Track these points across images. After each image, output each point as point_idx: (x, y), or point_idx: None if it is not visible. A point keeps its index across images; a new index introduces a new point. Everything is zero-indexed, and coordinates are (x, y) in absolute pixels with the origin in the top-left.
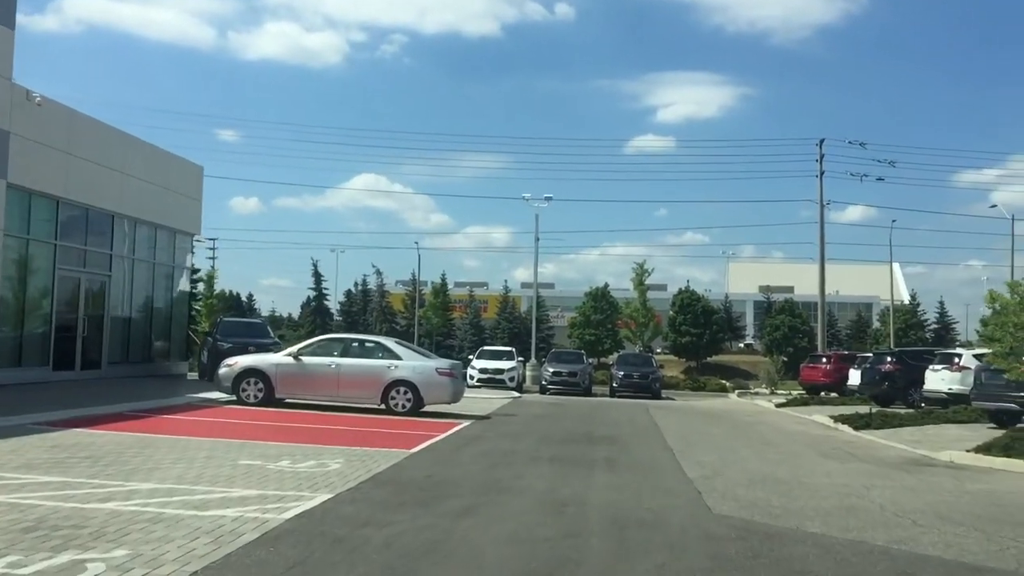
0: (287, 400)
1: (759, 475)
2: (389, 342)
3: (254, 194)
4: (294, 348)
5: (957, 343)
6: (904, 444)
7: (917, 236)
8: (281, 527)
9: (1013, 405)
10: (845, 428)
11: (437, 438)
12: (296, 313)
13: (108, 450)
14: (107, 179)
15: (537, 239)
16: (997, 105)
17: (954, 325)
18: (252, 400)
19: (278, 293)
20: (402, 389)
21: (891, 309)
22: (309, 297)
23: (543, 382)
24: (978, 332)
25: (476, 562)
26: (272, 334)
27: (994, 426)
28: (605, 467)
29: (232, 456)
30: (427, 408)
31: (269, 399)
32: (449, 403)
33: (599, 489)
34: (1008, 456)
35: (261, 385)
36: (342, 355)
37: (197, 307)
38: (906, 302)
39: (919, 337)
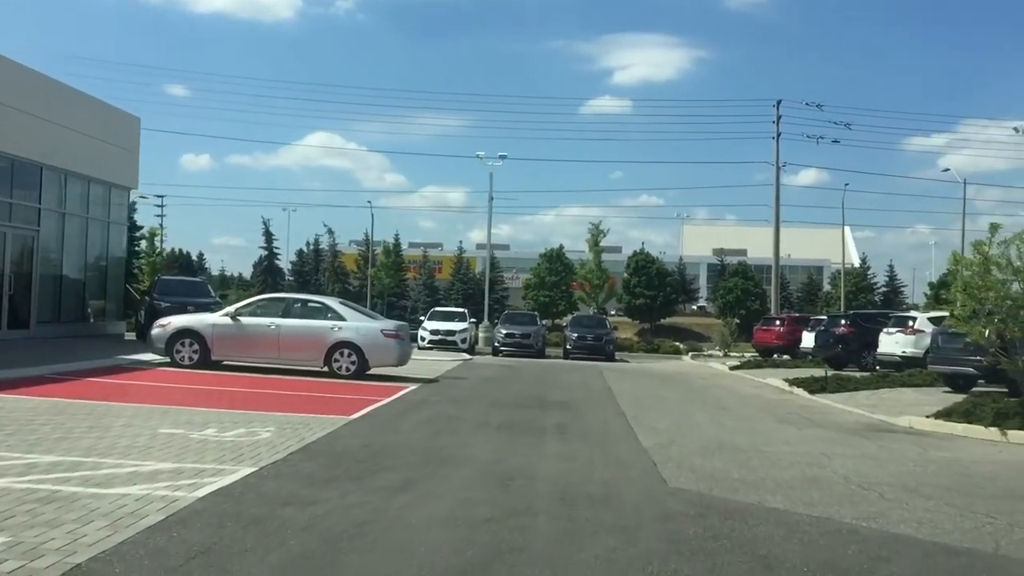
0: (226, 362)
1: (716, 443)
2: (333, 302)
3: (205, 151)
4: (231, 308)
5: (905, 306)
6: (861, 409)
7: (867, 201)
8: (191, 507)
9: (970, 369)
10: (800, 392)
11: (380, 403)
12: (248, 273)
13: (16, 417)
14: (34, 128)
15: (491, 198)
16: (953, 68)
17: (903, 288)
18: (187, 362)
19: (230, 252)
20: (346, 351)
21: (842, 272)
22: (261, 256)
23: (495, 344)
24: (925, 295)
25: (407, 549)
26: (213, 293)
27: (949, 390)
28: (556, 435)
29: (153, 424)
30: (373, 371)
31: (205, 361)
32: (395, 366)
33: (549, 459)
34: (969, 422)
35: (196, 347)
36: (283, 315)
37: (139, 265)
38: (856, 265)
39: (869, 300)
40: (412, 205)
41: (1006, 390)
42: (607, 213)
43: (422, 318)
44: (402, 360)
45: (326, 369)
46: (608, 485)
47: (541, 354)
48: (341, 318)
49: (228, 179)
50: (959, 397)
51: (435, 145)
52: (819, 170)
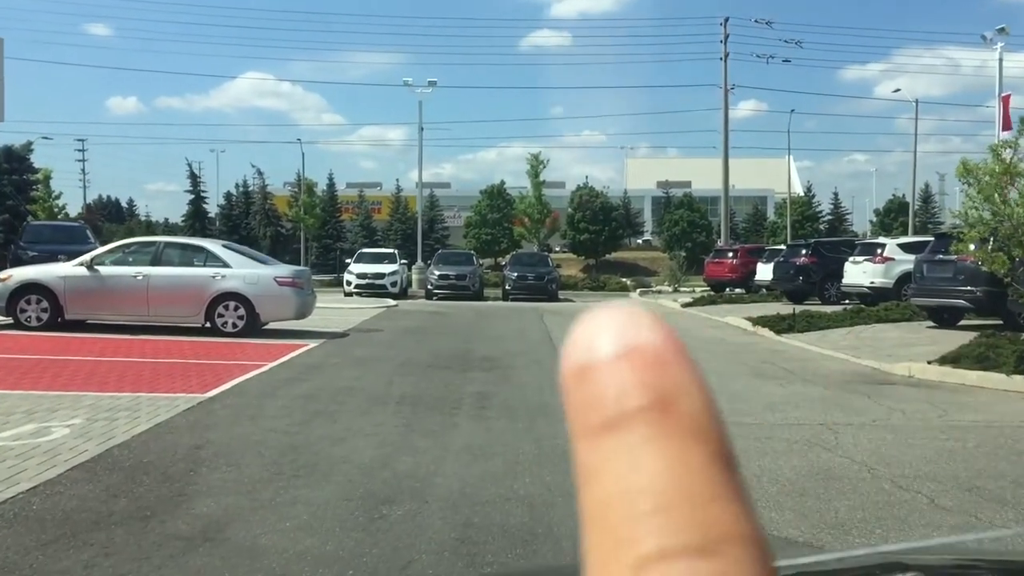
0: (89, 322)
1: None
2: (214, 245)
3: (133, 93)
4: (87, 256)
5: (847, 232)
6: (842, 352)
7: (806, 130)
8: None
9: (960, 301)
10: (766, 332)
11: (258, 371)
12: (180, 219)
13: None
14: None
15: (421, 128)
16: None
17: (847, 216)
18: (34, 323)
19: (167, 199)
20: (231, 304)
21: (788, 202)
22: (190, 201)
23: (429, 286)
24: (870, 223)
25: None
26: (93, 239)
27: (934, 325)
28: (473, 411)
29: None
30: (270, 326)
31: (56, 321)
32: (295, 319)
33: (455, 458)
34: (985, 369)
35: (45, 304)
36: (153, 263)
37: (34, 211)
38: (801, 194)
39: (814, 229)
40: (351, 145)
41: (1000, 322)
42: (550, 150)
43: (347, 260)
44: (302, 312)
45: (208, 326)
46: (535, 507)
47: (478, 296)
48: (225, 264)
49: (157, 121)
50: (948, 333)
51: (372, 85)
52: (759, 101)
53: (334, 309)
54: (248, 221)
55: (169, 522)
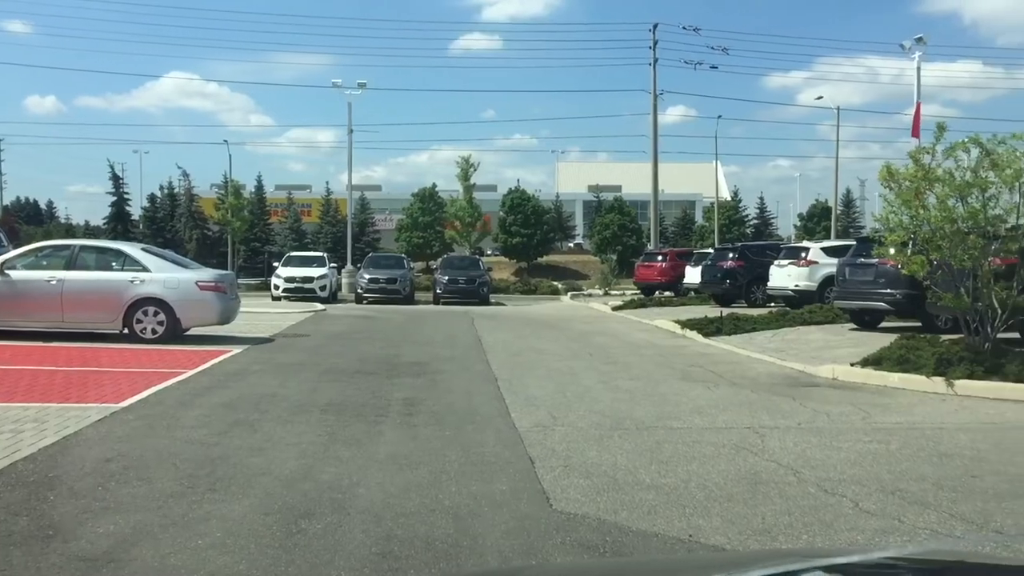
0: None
1: (613, 419)
2: (132, 249)
3: (51, 92)
4: None
5: (773, 236)
6: (768, 355)
7: (733, 136)
8: None
9: (881, 304)
10: (695, 336)
11: (176, 379)
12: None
13: None
14: None
15: (351, 131)
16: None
17: (772, 220)
18: None
19: (87, 200)
20: (151, 310)
21: (716, 206)
22: (112, 203)
23: (359, 290)
24: (794, 227)
25: None
26: (7, 242)
27: (856, 327)
28: (400, 419)
29: None
30: (192, 332)
31: None
32: (218, 324)
33: (380, 468)
34: (905, 371)
35: None
36: (68, 267)
37: None
38: (728, 199)
39: (741, 233)
40: (280, 146)
41: (919, 324)
42: (482, 153)
43: (275, 264)
44: (225, 317)
45: (126, 332)
46: (461, 518)
47: (409, 300)
48: (144, 268)
49: (78, 121)
50: (869, 335)
51: (302, 83)
52: (687, 107)
53: (260, 314)
54: (173, 224)
55: (72, 542)
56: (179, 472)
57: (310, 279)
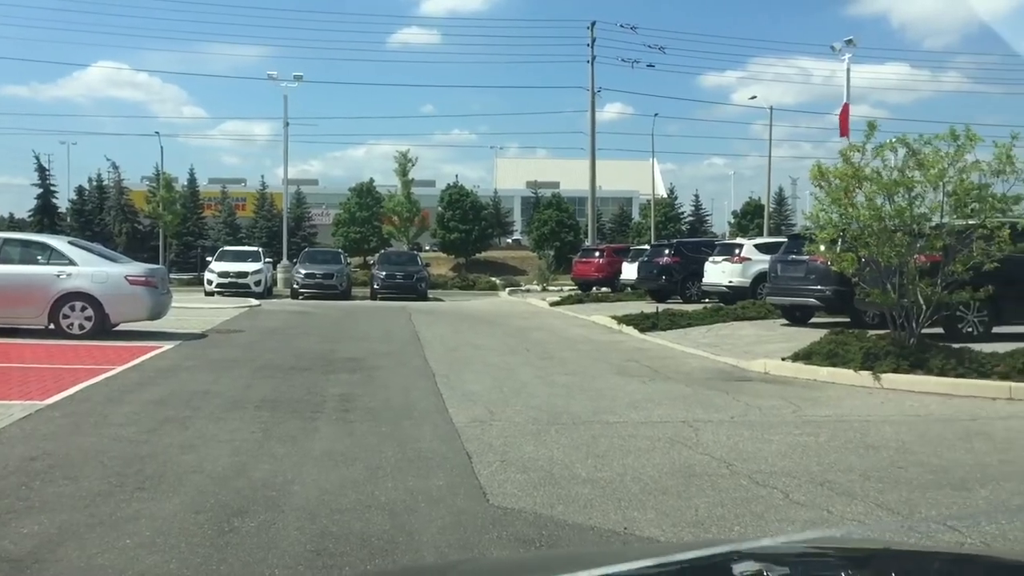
0: None
1: (550, 413)
2: (58, 242)
3: None
4: None
5: (707, 233)
6: (702, 350)
7: (669, 134)
8: None
9: (812, 300)
10: (631, 331)
11: (105, 375)
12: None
13: None
14: None
15: (287, 124)
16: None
17: (707, 217)
18: None
19: (12, 192)
20: (78, 305)
21: (652, 203)
22: (38, 195)
23: (294, 285)
24: (728, 224)
25: None
26: None
27: (787, 323)
28: (336, 415)
29: None
30: (121, 328)
31: None
32: (148, 320)
33: (315, 464)
34: (834, 365)
35: None
36: None
37: None
38: (664, 196)
39: (677, 229)
40: (214, 139)
41: (848, 320)
42: (420, 148)
43: (208, 259)
44: (156, 313)
45: (53, 328)
46: (397, 514)
47: (346, 295)
48: (71, 262)
49: (1, 111)
50: (800, 330)
51: (236, 75)
52: (624, 104)
53: (193, 309)
54: (102, 217)
55: None
56: (107, 470)
57: (244, 274)
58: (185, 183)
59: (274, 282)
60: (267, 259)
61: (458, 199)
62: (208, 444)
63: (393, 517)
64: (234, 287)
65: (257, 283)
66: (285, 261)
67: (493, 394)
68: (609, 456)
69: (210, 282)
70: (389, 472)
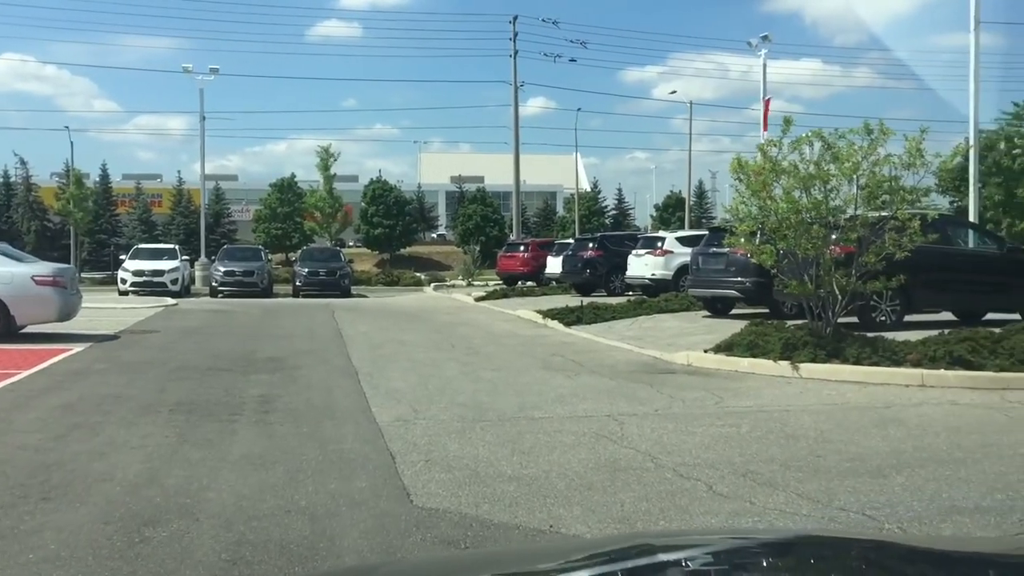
0: None
1: (475, 410)
2: None
3: None
4: None
5: (630, 226)
6: (626, 343)
7: (592, 128)
8: None
9: (732, 292)
10: (556, 325)
11: (9, 380)
12: None
13: None
14: None
15: (203, 118)
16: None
17: (630, 211)
18: None
19: None
20: None
21: (576, 196)
22: None
23: (213, 283)
24: (651, 217)
25: None
26: None
27: (709, 315)
28: (255, 416)
29: None
30: (29, 330)
31: None
32: (57, 321)
33: (231, 468)
34: (754, 356)
35: None
36: None
37: None
38: (588, 190)
39: (600, 223)
40: (128, 134)
41: (767, 311)
42: (343, 143)
43: (122, 257)
44: (65, 314)
45: None
46: (317, 519)
47: (267, 293)
48: None
49: None
50: (721, 322)
51: (149, 67)
52: (548, 98)
53: (106, 310)
54: (10, 215)
55: None
56: (9, 481)
57: (160, 272)
58: (97, 179)
59: (192, 280)
60: (184, 256)
61: (381, 194)
62: (119, 451)
63: (314, 522)
64: (149, 286)
65: (174, 281)
66: (203, 258)
67: (418, 391)
68: (535, 452)
69: (124, 281)
70: (310, 475)
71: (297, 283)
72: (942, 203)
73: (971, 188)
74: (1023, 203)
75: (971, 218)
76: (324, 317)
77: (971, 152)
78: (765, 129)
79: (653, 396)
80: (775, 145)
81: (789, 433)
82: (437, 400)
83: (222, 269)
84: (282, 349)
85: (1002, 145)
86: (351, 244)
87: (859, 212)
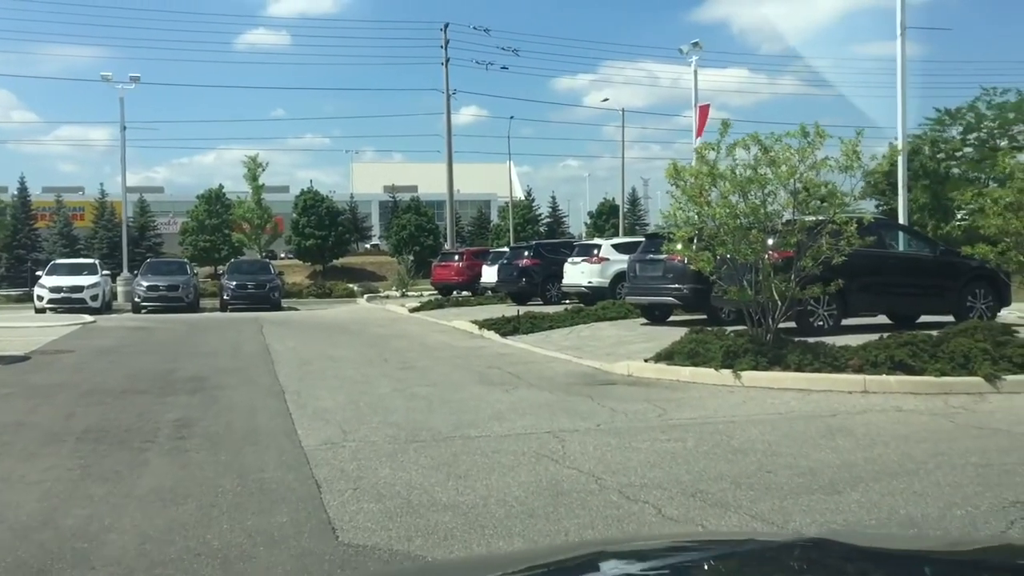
0: None
1: (409, 430)
2: None
3: None
4: None
5: (565, 234)
6: (565, 353)
7: (525, 136)
8: None
9: (670, 298)
10: (492, 335)
11: None
12: None
13: None
14: None
15: (124, 128)
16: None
17: (564, 218)
18: None
19: None
20: None
21: (510, 205)
22: None
23: (136, 299)
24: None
25: None
26: None
27: (647, 322)
28: (170, 444)
29: None
30: None
31: None
32: None
33: (139, 505)
34: (696, 364)
35: None
36: None
37: None
38: (522, 198)
39: (535, 231)
40: (47, 145)
41: (705, 317)
42: (273, 153)
43: (39, 273)
44: None
45: None
46: (231, 562)
47: (194, 307)
48: None
49: None
50: (660, 329)
51: (70, 76)
52: (480, 107)
53: (18, 328)
54: None
55: None
56: None
57: (79, 288)
58: (15, 192)
59: (114, 296)
60: (104, 272)
61: (313, 204)
62: (13, 487)
63: (226, 567)
64: (68, 303)
65: (94, 298)
66: (126, 273)
67: (348, 411)
68: (472, 476)
69: (40, 298)
70: (226, 510)
71: (225, 297)
72: (868, 207)
73: (900, 191)
74: (948, 206)
75: (900, 221)
76: (252, 332)
77: (899, 157)
78: (699, 135)
79: (594, 410)
80: (712, 149)
81: (736, 447)
82: (368, 420)
83: (145, 284)
84: (204, 368)
85: (927, 149)
86: (283, 256)
87: (797, 217)
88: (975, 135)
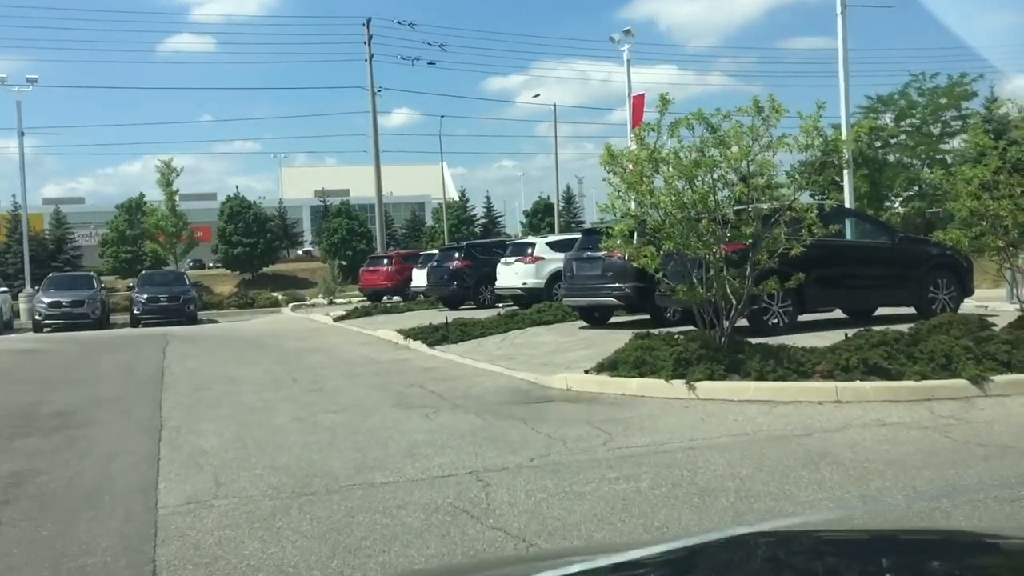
0: None
1: (299, 478)
2: None
3: None
4: None
5: (501, 234)
6: (497, 365)
7: (457, 135)
8: None
9: (610, 299)
10: (418, 346)
11: None
12: None
13: None
14: None
15: (22, 134)
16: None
17: (500, 218)
18: None
19: None
20: None
21: (444, 206)
22: None
23: (36, 317)
24: (520, 223)
25: None
26: None
27: (587, 325)
28: None
29: None
30: None
31: None
32: None
33: None
34: (643, 375)
35: None
36: None
37: None
38: (456, 199)
39: (471, 232)
40: None
41: (648, 318)
42: (202, 159)
43: None
44: None
45: None
46: None
47: (102, 324)
48: None
49: None
50: (601, 333)
51: None
52: (411, 108)
53: None
54: None
55: None
56: None
57: None
58: None
59: (15, 314)
60: (2, 288)
61: (240, 211)
62: None
63: None
64: None
65: None
66: (28, 289)
67: (231, 451)
68: (365, 550)
69: None
70: None
71: (135, 311)
72: (804, 199)
73: (846, 178)
74: (888, 193)
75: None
76: (153, 351)
77: (847, 139)
78: (636, 125)
79: (528, 437)
80: (652, 129)
81: (702, 486)
82: (253, 463)
83: (46, 300)
84: (78, 398)
85: (864, 136)
86: (211, 265)
87: (751, 205)
88: (908, 121)
